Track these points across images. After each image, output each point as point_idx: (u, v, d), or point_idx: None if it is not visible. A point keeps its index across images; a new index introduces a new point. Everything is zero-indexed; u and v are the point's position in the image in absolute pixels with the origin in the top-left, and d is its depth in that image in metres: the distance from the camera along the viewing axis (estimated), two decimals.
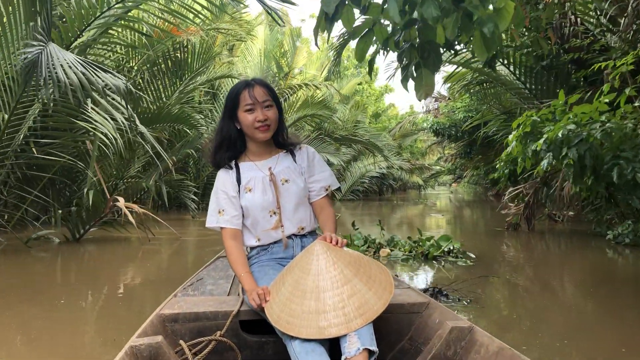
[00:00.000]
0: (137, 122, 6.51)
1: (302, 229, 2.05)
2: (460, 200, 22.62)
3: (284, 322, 1.57)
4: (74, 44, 6.47)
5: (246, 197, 2.01)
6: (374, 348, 1.49)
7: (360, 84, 30.08)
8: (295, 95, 16.19)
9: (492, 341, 1.57)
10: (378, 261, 1.80)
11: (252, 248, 2.09)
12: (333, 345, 1.56)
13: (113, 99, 6.06)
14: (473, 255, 5.35)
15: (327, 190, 2.10)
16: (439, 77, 17.58)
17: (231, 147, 2.06)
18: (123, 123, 5.97)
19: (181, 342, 1.67)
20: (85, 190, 6.04)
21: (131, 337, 1.58)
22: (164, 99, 9.44)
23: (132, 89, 5.84)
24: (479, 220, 11.97)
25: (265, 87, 1.99)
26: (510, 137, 4.42)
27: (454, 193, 32.70)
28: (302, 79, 15.83)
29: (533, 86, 8.73)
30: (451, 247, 5.42)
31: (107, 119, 5.89)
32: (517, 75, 8.80)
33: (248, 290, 1.79)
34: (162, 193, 9.05)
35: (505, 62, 8.76)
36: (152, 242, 6.64)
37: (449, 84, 14.90)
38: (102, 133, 5.72)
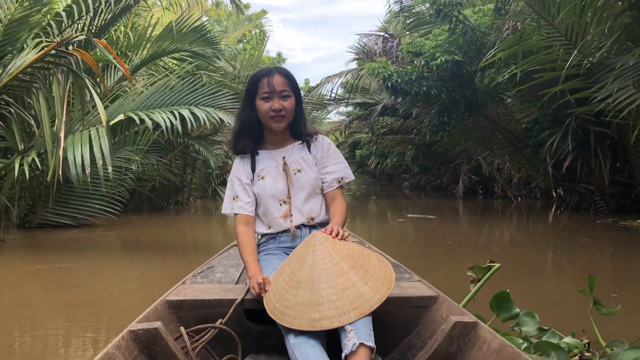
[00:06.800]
0: None
1: (312, 219, 2.05)
2: (380, 193, 17.03)
3: (279, 313, 1.59)
4: None
5: (258, 184, 2.05)
6: (370, 344, 1.48)
7: (244, 50, 23.39)
8: (148, 17, 8.86)
9: (495, 338, 1.55)
10: (382, 255, 1.80)
11: (262, 236, 2.11)
12: (336, 342, 1.54)
13: None
14: None
15: (339, 182, 2.09)
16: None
17: (252, 134, 2.09)
18: None
19: (181, 328, 1.65)
20: None
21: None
22: None
23: None
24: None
25: (285, 77, 1.98)
26: None
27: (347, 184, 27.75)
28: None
29: None
30: None
31: None
32: None
33: (250, 277, 1.82)
34: None
35: None
36: None
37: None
38: None
